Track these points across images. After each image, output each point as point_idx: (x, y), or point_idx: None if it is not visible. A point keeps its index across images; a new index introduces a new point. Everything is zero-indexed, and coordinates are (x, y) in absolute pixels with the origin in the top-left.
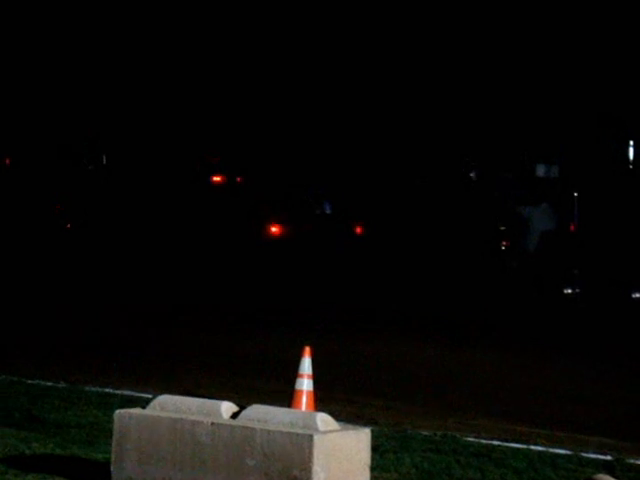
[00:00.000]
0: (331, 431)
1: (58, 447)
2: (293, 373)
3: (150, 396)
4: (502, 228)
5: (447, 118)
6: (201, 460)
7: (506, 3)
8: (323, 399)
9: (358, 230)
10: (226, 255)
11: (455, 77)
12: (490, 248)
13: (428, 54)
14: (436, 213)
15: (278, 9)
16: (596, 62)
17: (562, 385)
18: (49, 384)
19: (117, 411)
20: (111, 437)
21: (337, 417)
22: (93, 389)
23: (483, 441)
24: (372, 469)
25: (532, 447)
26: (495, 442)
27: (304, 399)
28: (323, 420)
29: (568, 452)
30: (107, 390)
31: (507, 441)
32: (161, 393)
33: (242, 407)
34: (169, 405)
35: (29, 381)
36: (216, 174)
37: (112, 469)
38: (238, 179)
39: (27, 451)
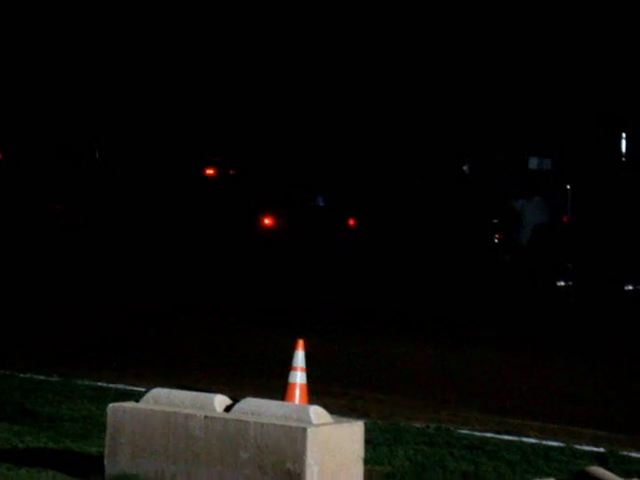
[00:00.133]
0: (324, 424)
1: (51, 441)
2: (287, 368)
3: (143, 390)
4: (495, 221)
5: (439, 110)
6: (195, 453)
7: None
8: (316, 392)
9: (351, 222)
10: (221, 249)
11: (447, 68)
12: (483, 241)
13: (421, 45)
14: (429, 207)
15: (275, 4)
16: (589, 55)
17: (555, 379)
18: (42, 378)
19: (110, 405)
20: (104, 431)
21: (330, 410)
22: (86, 383)
23: (477, 434)
24: (365, 462)
25: (525, 439)
26: (488, 434)
27: (297, 392)
28: (316, 413)
29: (561, 444)
30: (100, 384)
31: (500, 433)
32: (154, 386)
33: (235, 400)
34: (162, 399)
35: (22, 375)
36: (209, 167)
37: (106, 463)
38: (231, 172)
39: (20, 445)
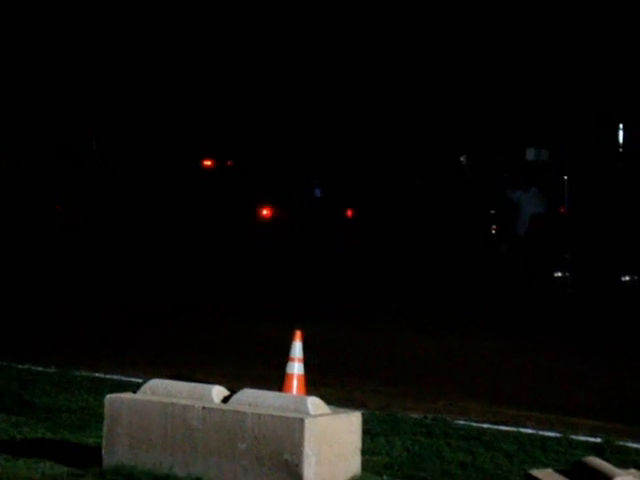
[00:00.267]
0: (322, 415)
1: (49, 432)
2: (284, 359)
3: (141, 381)
4: (492, 212)
5: (437, 101)
6: (192, 444)
7: None
8: (314, 383)
9: (349, 213)
10: (220, 244)
11: (444, 59)
12: (481, 232)
13: (419, 34)
14: (427, 198)
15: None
16: (585, 47)
17: (552, 369)
18: (40, 369)
19: (108, 396)
20: (102, 422)
21: (328, 401)
22: (84, 374)
23: (474, 424)
24: (363, 452)
25: (522, 430)
26: (485, 425)
27: (295, 383)
28: (314, 404)
29: (558, 435)
30: (98, 375)
31: (497, 424)
32: (152, 377)
33: (233, 391)
34: (160, 390)
35: (20, 366)
36: (207, 158)
37: (103, 453)
38: (229, 163)
39: (18, 436)
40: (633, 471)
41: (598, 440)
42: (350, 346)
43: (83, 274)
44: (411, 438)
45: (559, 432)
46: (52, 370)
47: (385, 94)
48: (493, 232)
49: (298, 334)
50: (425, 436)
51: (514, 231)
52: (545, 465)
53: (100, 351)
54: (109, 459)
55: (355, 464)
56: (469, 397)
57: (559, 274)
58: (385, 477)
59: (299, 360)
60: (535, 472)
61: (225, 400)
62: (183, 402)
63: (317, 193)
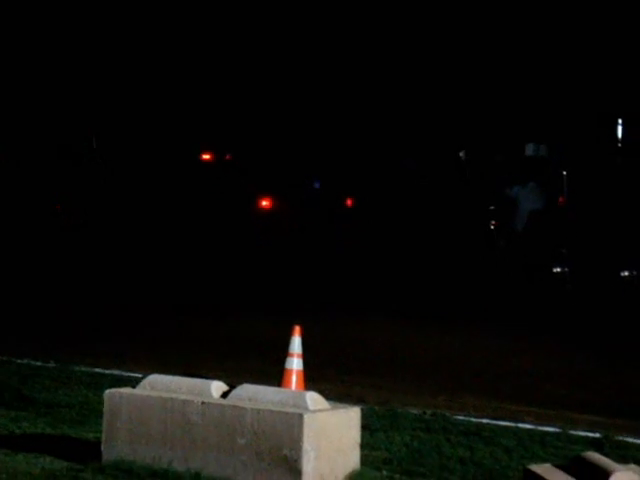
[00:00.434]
0: (321, 410)
1: (48, 426)
2: (283, 355)
3: (140, 376)
4: (491, 207)
5: (435, 96)
6: (191, 439)
7: None
8: (313, 378)
9: (349, 203)
10: (220, 239)
11: (444, 55)
12: (479, 228)
13: (418, 29)
14: (426, 194)
15: None
16: (583, 42)
17: (551, 365)
18: (39, 364)
19: (107, 391)
20: (101, 417)
21: (327, 396)
22: (83, 369)
23: (473, 419)
24: (362, 448)
25: (521, 425)
26: (485, 420)
27: (294, 378)
28: (313, 399)
29: (557, 430)
30: (97, 370)
31: (496, 419)
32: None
33: (232, 386)
34: (159, 385)
35: (19, 361)
36: (205, 152)
37: (103, 448)
38: (227, 156)
39: (17, 431)
40: (632, 466)
41: (597, 435)
42: (349, 342)
43: (83, 274)
44: (410, 433)
45: (558, 427)
46: (51, 365)
47: (383, 90)
48: (492, 228)
49: (297, 329)
50: (424, 431)
51: (513, 227)
52: (544, 460)
53: (100, 349)
54: (108, 454)
55: (354, 459)
56: (468, 393)
57: (558, 269)
58: (384, 472)
59: (298, 356)
60: (534, 467)
61: (224, 395)
62: (182, 397)
63: (317, 186)
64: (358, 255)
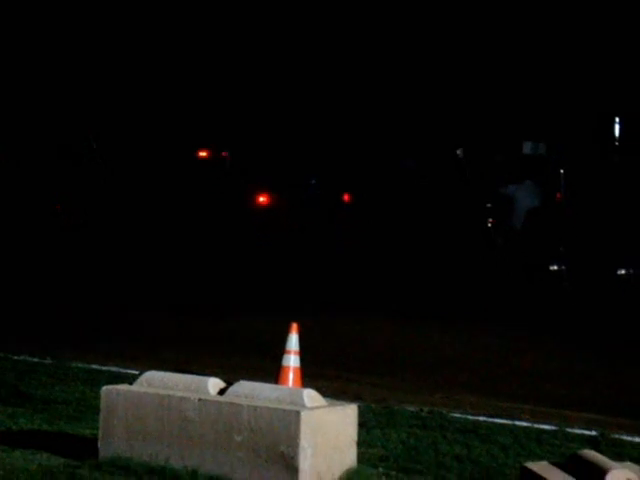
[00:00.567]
0: (318, 407)
1: (45, 423)
2: (280, 352)
3: (137, 373)
4: (488, 205)
5: (433, 93)
6: (188, 436)
7: None
8: (310, 375)
9: (346, 198)
10: (220, 238)
11: (442, 54)
12: (477, 226)
13: (415, 31)
14: (423, 191)
15: None
16: (581, 40)
17: (548, 362)
18: (36, 360)
19: (104, 387)
20: (98, 413)
21: (324, 393)
22: (80, 365)
23: (469, 417)
24: (359, 445)
25: (518, 423)
26: (481, 418)
27: (291, 375)
28: (310, 396)
29: (553, 428)
30: (94, 366)
31: (493, 417)
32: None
33: (229, 383)
34: (156, 381)
35: (16, 357)
36: (201, 149)
37: (99, 445)
38: (224, 153)
39: (14, 427)
40: (628, 464)
41: (593, 433)
42: (349, 341)
43: (83, 273)
44: (407, 431)
45: (555, 425)
46: (48, 361)
47: (383, 90)
48: (489, 225)
49: (294, 326)
50: (421, 429)
51: (510, 224)
52: (540, 458)
53: (100, 349)
54: (105, 450)
55: (351, 456)
56: (465, 390)
57: (555, 267)
58: (381, 469)
59: (295, 353)
60: (530, 465)
61: (221, 392)
62: (179, 394)
63: (313, 181)
64: (358, 254)
